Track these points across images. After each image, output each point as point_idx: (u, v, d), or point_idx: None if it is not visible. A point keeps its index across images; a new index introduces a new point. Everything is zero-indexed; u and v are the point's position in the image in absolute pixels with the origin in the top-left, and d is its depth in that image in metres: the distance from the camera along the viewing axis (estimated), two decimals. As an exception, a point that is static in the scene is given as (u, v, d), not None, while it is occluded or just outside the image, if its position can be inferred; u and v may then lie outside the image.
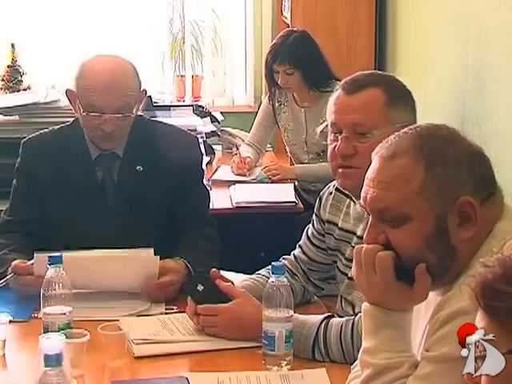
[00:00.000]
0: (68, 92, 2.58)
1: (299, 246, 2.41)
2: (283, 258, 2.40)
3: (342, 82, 2.16)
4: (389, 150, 1.55)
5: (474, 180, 1.52)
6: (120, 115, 2.49)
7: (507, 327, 1.09)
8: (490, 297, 1.11)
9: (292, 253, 2.42)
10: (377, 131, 2.04)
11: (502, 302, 1.09)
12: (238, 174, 4.11)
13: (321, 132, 3.76)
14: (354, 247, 2.18)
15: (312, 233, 2.37)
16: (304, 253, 2.39)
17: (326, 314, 2.07)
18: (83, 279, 2.31)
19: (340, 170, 2.11)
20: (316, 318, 2.04)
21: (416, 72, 3.95)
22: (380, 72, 2.25)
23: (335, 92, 2.16)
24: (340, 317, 2.23)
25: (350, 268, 2.19)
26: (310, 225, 2.39)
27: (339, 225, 2.27)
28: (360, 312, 1.98)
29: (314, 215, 2.38)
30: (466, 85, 3.14)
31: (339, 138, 2.09)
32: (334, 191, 2.31)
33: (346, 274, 2.23)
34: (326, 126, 2.20)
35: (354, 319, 1.99)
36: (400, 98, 2.10)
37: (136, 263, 2.36)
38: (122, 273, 2.35)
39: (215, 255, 2.60)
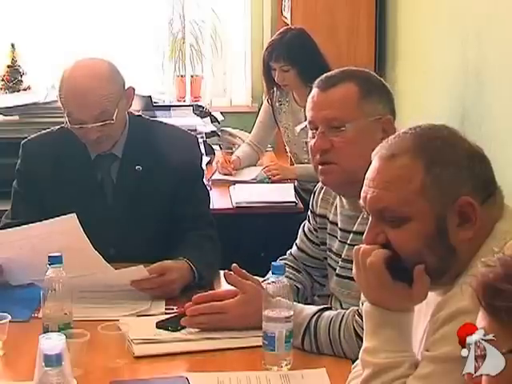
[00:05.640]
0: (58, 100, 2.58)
1: (295, 244, 2.41)
2: (281, 259, 2.38)
3: (317, 80, 2.17)
4: (388, 150, 1.56)
5: (474, 180, 1.52)
6: (101, 123, 2.48)
7: (508, 327, 1.09)
8: (492, 296, 1.11)
9: (289, 252, 2.42)
10: (350, 124, 2.07)
11: (503, 301, 1.09)
12: (224, 174, 4.10)
13: (301, 130, 3.77)
14: (340, 241, 2.19)
15: (308, 228, 2.38)
16: (302, 250, 2.39)
17: (322, 306, 2.07)
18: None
19: (320, 167, 2.13)
20: (311, 309, 2.04)
21: (416, 72, 3.95)
22: (354, 67, 2.24)
23: (312, 91, 2.17)
24: None
25: (338, 263, 2.20)
26: (306, 221, 2.40)
27: (330, 218, 2.28)
28: (350, 307, 1.99)
29: (308, 211, 2.38)
30: (466, 85, 3.13)
31: (315, 134, 2.12)
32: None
33: (335, 269, 2.23)
34: (306, 125, 2.22)
35: (344, 312, 2.00)
36: (373, 90, 2.12)
37: (124, 275, 2.31)
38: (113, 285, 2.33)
39: (218, 255, 2.59)
